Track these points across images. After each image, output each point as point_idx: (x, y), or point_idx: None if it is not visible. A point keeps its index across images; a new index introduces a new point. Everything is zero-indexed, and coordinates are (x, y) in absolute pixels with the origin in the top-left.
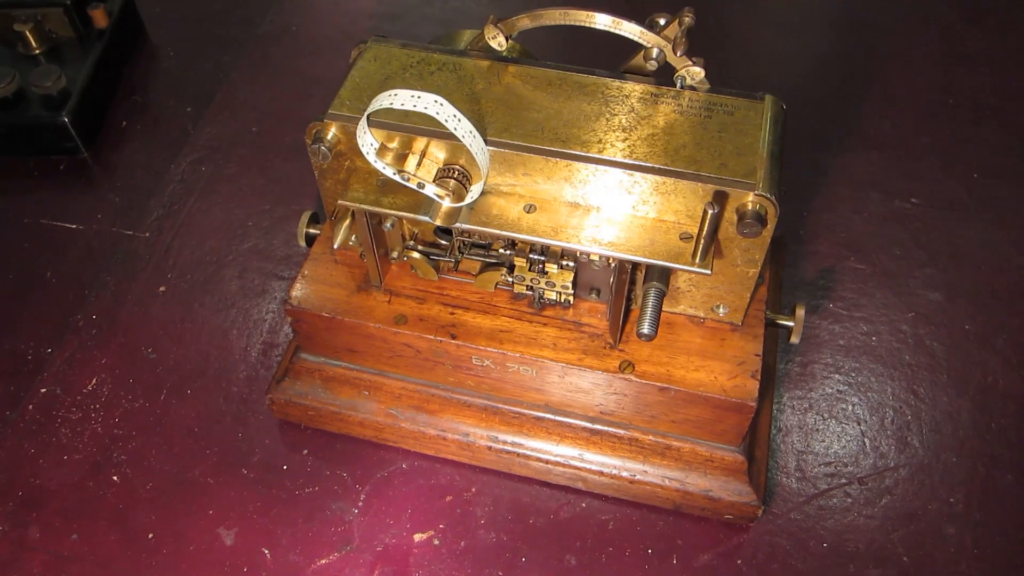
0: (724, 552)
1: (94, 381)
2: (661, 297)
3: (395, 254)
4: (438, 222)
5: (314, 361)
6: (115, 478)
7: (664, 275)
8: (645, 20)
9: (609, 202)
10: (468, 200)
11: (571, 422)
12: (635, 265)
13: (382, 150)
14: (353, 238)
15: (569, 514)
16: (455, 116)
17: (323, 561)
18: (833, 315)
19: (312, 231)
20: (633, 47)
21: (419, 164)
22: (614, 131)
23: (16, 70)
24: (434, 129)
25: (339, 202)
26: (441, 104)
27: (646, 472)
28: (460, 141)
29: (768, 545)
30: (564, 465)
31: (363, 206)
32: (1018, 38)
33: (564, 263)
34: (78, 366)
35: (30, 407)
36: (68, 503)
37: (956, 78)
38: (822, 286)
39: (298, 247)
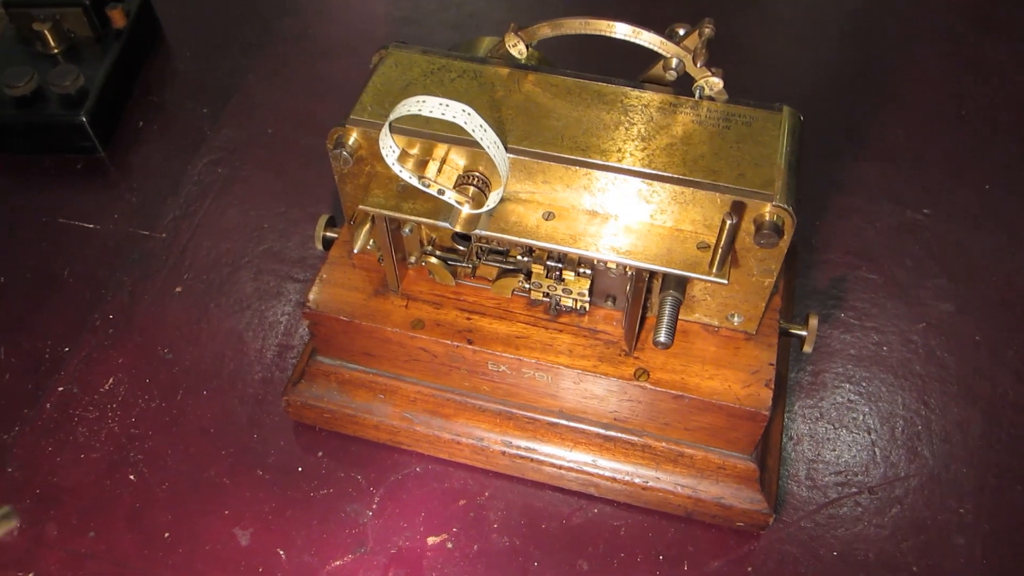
0: (735, 559)
1: (111, 380)
2: (678, 306)
3: (413, 259)
4: (458, 228)
5: (330, 364)
6: (131, 477)
7: (681, 284)
8: (664, 30)
9: (627, 211)
10: (487, 207)
11: (585, 428)
12: (652, 273)
13: (403, 156)
14: (371, 242)
15: (581, 519)
16: (481, 126)
17: (337, 563)
18: (844, 324)
19: (329, 234)
20: (652, 56)
21: (439, 170)
22: (633, 140)
23: (35, 69)
24: (455, 136)
25: (360, 207)
26: (469, 114)
27: (659, 479)
28: (483, 150)
29: (779, 553)
30: (577, 471)
31: (384, 211)
32: None
33: (581, 270)
34: (95, 365)
35: (48, 406)
36: (85, 501)
37: (969, 89)
38: (834, 295)
39: (313, 249)
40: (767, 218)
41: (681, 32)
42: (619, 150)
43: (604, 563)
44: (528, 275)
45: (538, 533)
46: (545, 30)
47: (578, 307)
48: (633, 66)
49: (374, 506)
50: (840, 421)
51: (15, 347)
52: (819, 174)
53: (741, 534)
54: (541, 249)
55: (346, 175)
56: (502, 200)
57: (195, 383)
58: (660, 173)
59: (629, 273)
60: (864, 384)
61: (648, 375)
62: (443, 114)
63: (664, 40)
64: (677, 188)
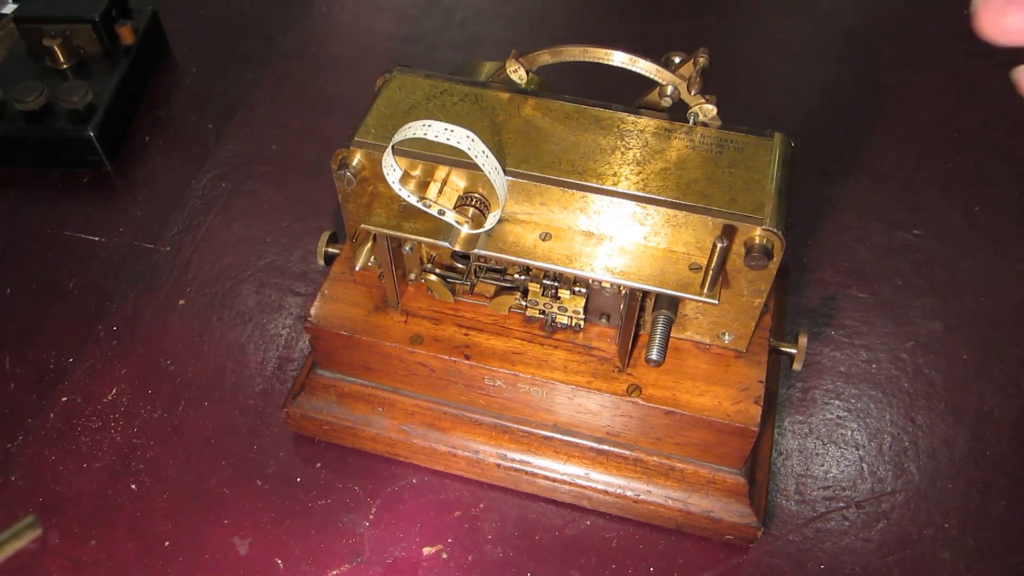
0: (724, 572)
1: (114, 391)
2: (670, 325)
3: (412, 276)
4: (457, 248)
5: (330, 377)
6: (133, 486)
7: (673, 303)
8: (661, 58)
9: (622, 232)
10: (486, 227)
11: (578, 442)
12: (645, 293)
13: (405, 177)
14: (372, 259)
15: (574, 531)
16: (484, 152)
17: (334, 572)
18: (834, 342)
19: (331, 250)
20: (648, 83)
21: (440, 191)
22: (628, 164)
23: (44, 84)
24: (456, 158)
25: (362, 226)
26: (473, 140)
27: (650, 492)
28: (483, 173)
29: (767, 566)
30: (570, 483)
31: (386, 231)
32: None
33: (576, 289)
34: (99, 376)
35: (52, 415)
36: (87, 510)
37: (960, 112)
38: (824, 313)
39: (314, 264)
40: (757, 241)
41: (677, 60)
42: (615, 174)
43: (596, 574)
44: (525, 293)
45: (532, 544)
46: (545, 57)
47: (573, 324)
48: (630, 90)
49: (371, 517)
50: (829, 437)
51: (20, 357)
52: (811, 193)
53: (730, 547)
54: (538, 268)
55: (349, 194)
56: (500, 221)
57: (197, 394)
58: (654, 197)
59: (623, 292)
60: (853, 401)
61: (640, 391)
62: (448, 139)
63: (660, 68)
64: (670, 211)
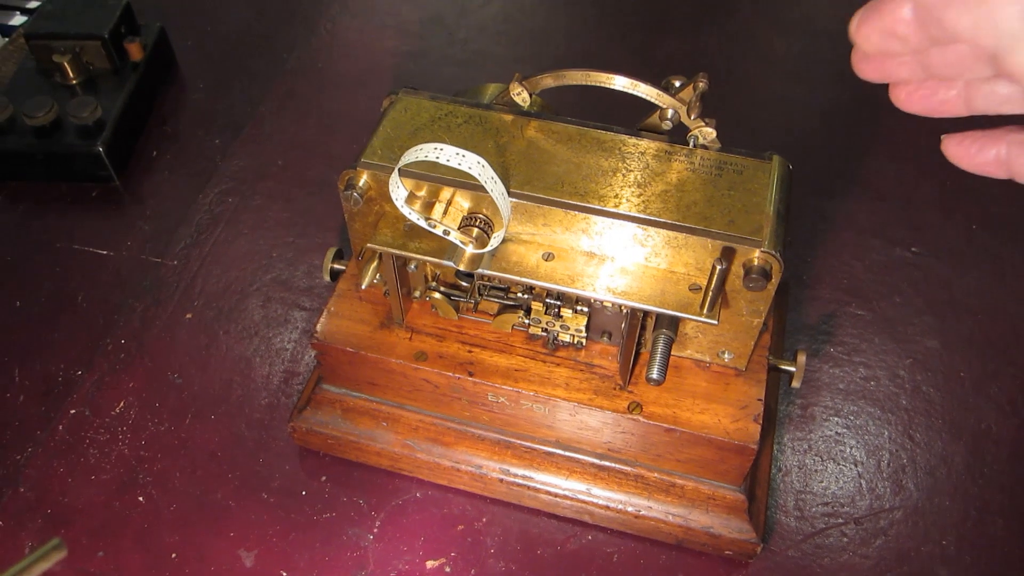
0: None
1: (122, 404)
2: (670, 344)
3: (417, 293)
4: (461, 267)
5: (336, 392)
6: (140, 499)
7: (673, 323)
8: (661, 81)
9: (623, 253)
10: (490, 247)
11: (580, 458)
12: (646, 312)
13: (411, 198)
14: (377, 276)
15: (576, 546)
16: (493, 178)
17: None
18: (833, 359)
19: (337, 267)
20: (649, 106)
21: (445, 212)
22: (630, 187)
23: (54, 100)
24: (461, 180)
25: (368, 245)
26: (483, 166)
27: (651, 508)
28: (491, 197)
29: None
30: (572, 499)
31: (391, 250)
32: None
33: (579, 308)
34: (107, 389)
35: (60, 427)
36: (95, 522)
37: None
38: (823, 330)
39: (320, 279)
40: (755, 263)
41: (677, 84)
42: (616, 196)
43: None
44: (528, 311)
45: (534, 559)
46: (548, 80)
47: (575, 342)
48: (630, 112)
49: (375, 530)
50: (828, 453)
51: (29, 369)
52: (811, 210)
53: (730, 562)
54: (541, 288)
55: (355, 214)
56: (504, 241)
57: (203, 408)
58: (655, 219)
59: (624, 311)
60: (852, 417)
61: (641, 408)
62: (459, 164)
63: (660, 92)
64: (671, 233)
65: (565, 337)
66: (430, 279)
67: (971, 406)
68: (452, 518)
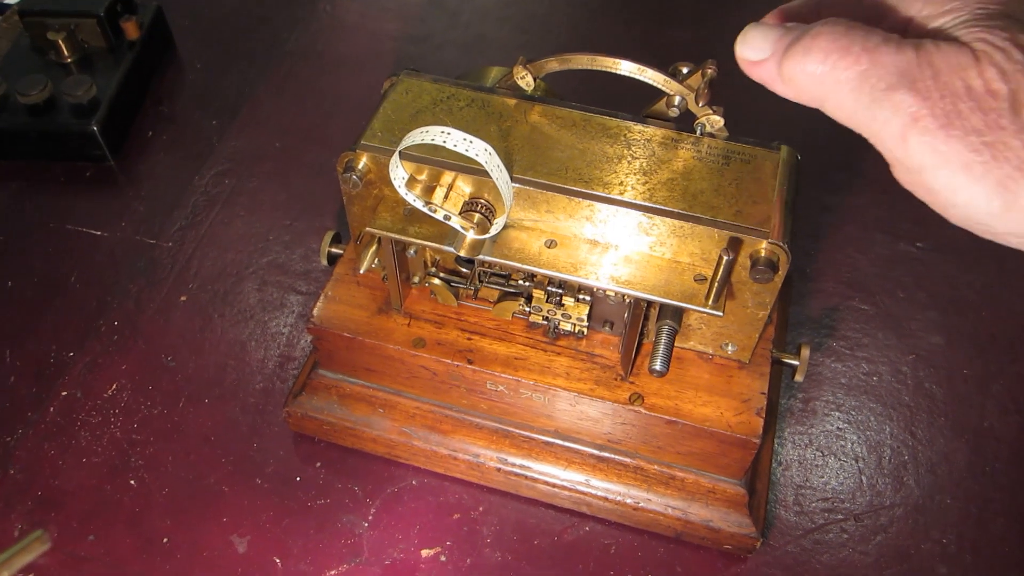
0: None
1: (114, 386)
2: (674, 335)
3: (416, 279)
4: (462, 253)
5: (332, 378)
6: (132, 482)
7: (677, 314)
8: (668, 67)
9: (627, 242)
10: (491, 233)
11: (579, 448)
12: (649, 302)
13: (411, 181)
14: (376, 261)
15: (573, 537)
16: (499, 166)
17: (332, 572)
18: (836, 353)
19: (334, 251)
20: (654, 92)
21: (446, 197)
22: (635, 174)
23: (48, 78)
24: (462, 164)
25: (367, 229)
26: (490, 153)
27: (650, 500)
28: (493, 183)
29: None
30: (570, 489)
31: (391, 234)
32: None
33: (581, 296)
34: (99, 371)
35: (51, 409)
36: (86, 505)
37: None
38: (826, 324)
39: (317, 262)
40: (762, 254)
41: (684, 70)
42: (621, 183)
43: None
44: (529, 299)
45: (530, 549)
46: (553, 64)
47: (576, 331)
48: (634, 98)
49: (370, 517)
50: (828, 448)
51: (21, 351)
52: (815, 203)
53: (729, 556)
54: (542, 275)
55: (354, 197)
56: (506, 227)
57: (197, 391)
58: (660, 207)
59: (627, 301)
60: (853, 413)
61: (643, 400)
62: (466, 150)
63: (668, 79)
64: (677, 222)
65: (566, 326)
66: (429, 264)
67: (974, 404)
68: (448, 507)
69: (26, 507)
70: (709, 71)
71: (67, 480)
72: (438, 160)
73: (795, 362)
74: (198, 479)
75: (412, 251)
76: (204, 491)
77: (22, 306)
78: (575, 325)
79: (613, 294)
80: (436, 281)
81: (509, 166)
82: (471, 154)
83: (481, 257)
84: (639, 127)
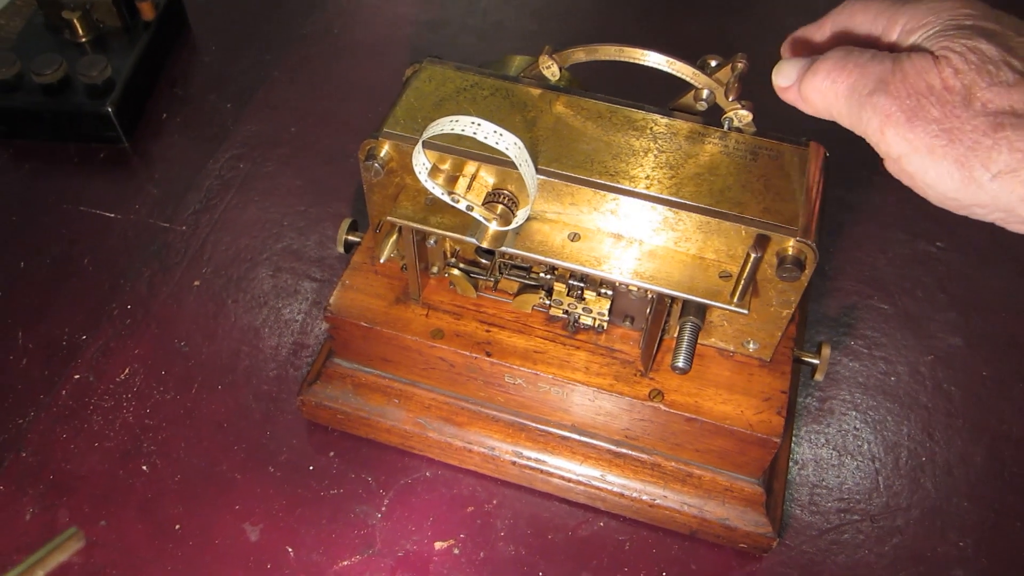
0: None
1: (127, 371)
2: (697, 332)
3: (435, 269)
4: (484, 245)
5: (347, 367)
6: (144, 468)
7: (700, 311)
8: (696, 60)
9: (652, 236)
10: (514, 225)
11: (596, 443)
12: (673, 298)
13: (434, 171)
14: (395, 251)
15: (587, 532)
16: (527, 161)
17: (345, 563)
18: (854, 352)
19: (351, 238)
20: (676, 83)
21: (469, 187)
22: (661, 168)
23: (63, 58)
24: (486, 154)
25: (388, 218)
26: (520, 147)
27: (666, 497)
28: (518, 174)
29: None
30: (585, 484)
31: (412, 224)
32: None
33: (602, 291)
34: (112, 355)
35: (63, 392)
36: (97, 489)
37: None
38: (844, 323)
39: (331, 249)
40: (790, 252)
41: (713, 63)
42: (647, 177)
43: None
44: (549, 292)
45: (544, 543)
46: (579, 54)
47: (596, 325)
48: (655, 87)
49: (383, 508)
50: (845, 448)
51: (33, 332)
52: (835, 200)
53: (744, 555)
54: (564, 269)
55: (375, 185)
56: (528, 219)
57: (210, 377)
58: (687, 203)
59: (650, 296)
60: (871, 413)
61: (662, 396)
62: (496, 143)
63: (696, 72)
64: (703, 218)
65: (586, 320)
66: (449, 255)
67: (992, 407)
68: (462, 499)
69: (38, 490)
70: (740, 65)
71: (79, 464)
72: (462, 149)
73: (815, 361)
74: (210, 466)
75: (432, 241)
76: (216, 478)
77: (35, 287)
78: (595, 319)
79: (636, 289)
80: (456, 272)
81: (534, 157)
82: (501, 147)
83: (503, 249)
84: (666, 120)
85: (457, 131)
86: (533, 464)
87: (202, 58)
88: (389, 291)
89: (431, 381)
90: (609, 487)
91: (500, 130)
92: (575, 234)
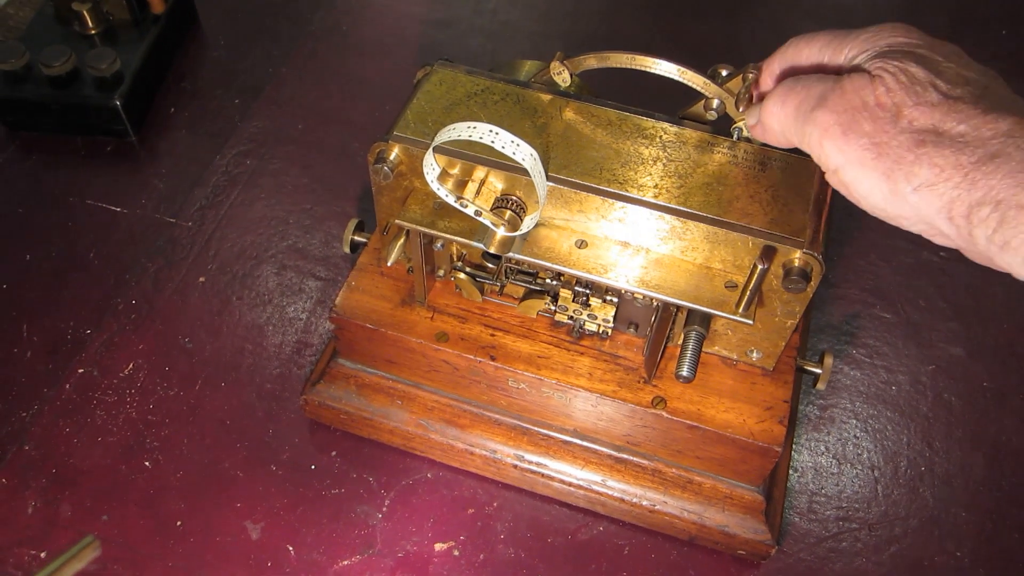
0: None
1: (131, 366)
2: (701, 341)
3: (441, 272)
4: (492, 250)
5: (351, 367)
6: (147, 463)
7: (705, 320)
8: (707, 70)
9: (659, 245)
10: (522, 231)
11: (597, 448)
12: (678, 307)
13: (443, 175)
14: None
15: (587, 536)
16: (541, 173)
17: (345, 562)
18: (855, 361)
19: (357, 239)
20: (692, 92)
21: (478, 192)
22: (670, 177)
23: (72, 50)
24: (495, 160)
25: (396, 221)
26: (536, 159)
27: (666, 503)
28: (527, 180)
29: None
30: (586, 489)
31: (420, 227)
32: None
33: (608, 298)
34: (116, 350)
35: (67, 386)
36: (100, 484)
37: None
38: (846, 331)
39: (336, 248)
40: (796, 264)
41: (724, 73)
42: (656, 186)
43: None
44: (555, 298)
45: (544, 547)
46: (591, 61)
47: (601, 332)
48: (670, 95)
49: (384, 509)
50: (844, 456)
51: (37, 326)
52: (839, 208)
53: (742, 562)
54: (570, 275)
55: (384, 188)
56: (536, 225)
57: (214, 374)
58: (695, 212)
59: (655, 304)
60: (871, 421)
61: (665, 404)
62: (513, 153)
63: (707, 81)
64: (710, 228)
65: (591, 326)
66: (455, 259)
67: (992, 417)
68: (463, 501)
69: (40, 484)
70: (751, 75)
71: (82, 459)
72: (472, 155)
73: (818, 370)
74: (213, 463)
75: (439, 244)
76: (219, 475)
77: (40, 280)
78: (600, 326)
79: (641, 297)
80: (462, 276)
81: (544, 164)
82: (517, 158)
83: (511, 255)
84: (675, 129)
85: (475, 138)
86: (534, 468)
87: (210, 53)
88: (395, 293)
89: (435, 383)
90: (609, 492)
91: (517, 140)
92: (582, 241)
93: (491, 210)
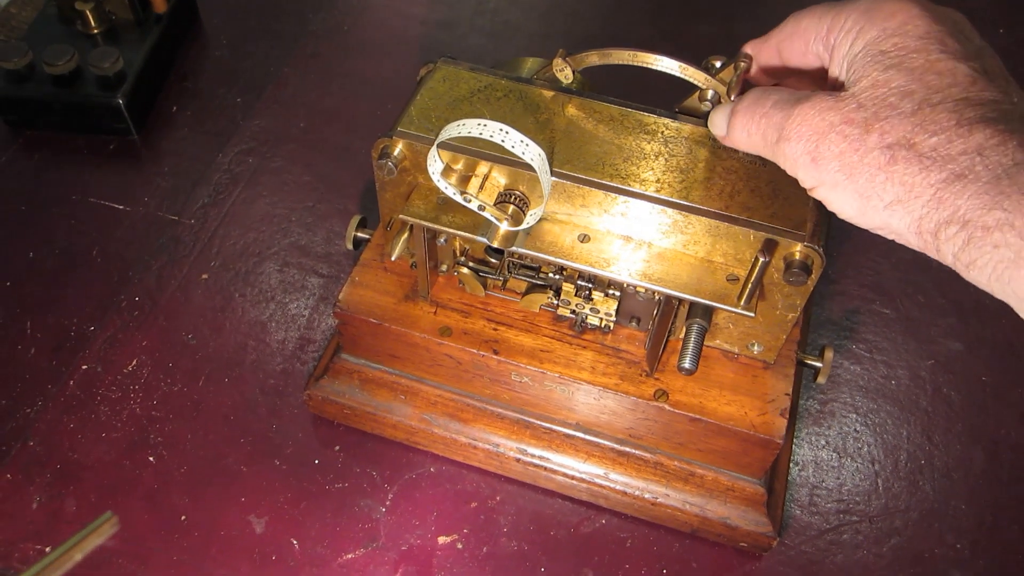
0: None
1: (134, 362)
2: (703, 334)
3: (444, 267)
4: (495, 244)
5: (355, 362)
6: (151, 459)
7: (707, 313)
8: (700, 60)
9: (661, 239)
10: (525, 225)
11: (599, 442)
12: (680, 300)
13: (446, 170)
14: (406, 248)
15: (589, 529)
16: (547, 172)
17: (349, 556)
18: (855, 356)
19: (360, 235)
20: (693, 89)
21: (481, 187)
22: (672, 171)
23: (75, 49)
24: (498, 155)
25: (400, 216)
26: (543, 159)
27: (668, 496)
28: (529, 175)
29: (779, 575)
30: (588, 482)
31: (424, 223)
32: None
33: (610, 291)
34: (119, 346)
35: (71, 383)
36: (104, 479)
37: None
38: (846, 326)
39: (338, 245)
40: (797, 257)
41: (717, 64)
42: (658, 180)
43: (609, 573)
44: (558, 292)
45: (546, 539)
46: (593, 58)
47: (603, 326)
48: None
49: (388, 503)
50: (845, 450)
51: (41, 322)
52: None
53: (744, 554)
54: (573, 269)
55: (387, 183)
56: (540, 220)
57: (217, 370)
58: (697, 207)
59: (657, 298)
60: (871, 415)
61: (667, 396)
62: (522, 152)
63: (708, 77)
64: (712, 222)
65: (593, 320)
66: (459, 253)
67: (991, 411)
68: (466, 495)
69: (45, 479)
70: (743, 64)
71: (86, 454)
72: (475, 150)
73: (818, 364)
74: (217, 458)
75: (443, 239)
76: (222, 470)
77: (43, 278)
78: (602, 320)
79: (643, 290)
80: (465, 270)
81: (547, 159)
82: (526, 157)
83: (514, 249)
84: (677, 124)
85: (485, 136)
86: (537, 461)
87: (212, 52)
88: (398, 288)
89: (438, 378)
90: (612, 485)
91: (526, 140)
92: (585, 235)
93: (494, 205)
